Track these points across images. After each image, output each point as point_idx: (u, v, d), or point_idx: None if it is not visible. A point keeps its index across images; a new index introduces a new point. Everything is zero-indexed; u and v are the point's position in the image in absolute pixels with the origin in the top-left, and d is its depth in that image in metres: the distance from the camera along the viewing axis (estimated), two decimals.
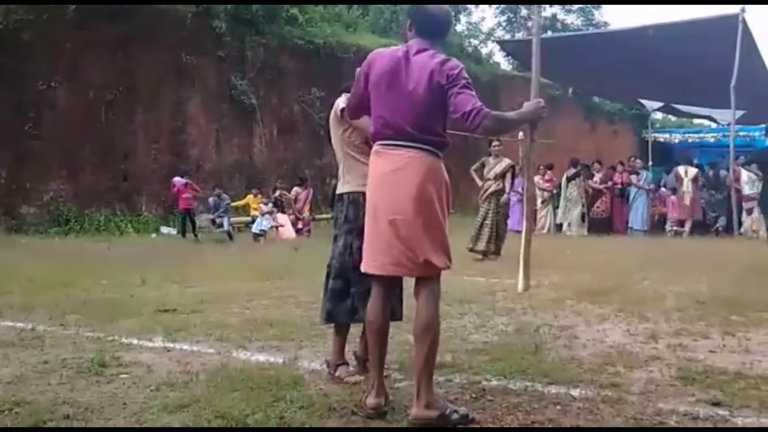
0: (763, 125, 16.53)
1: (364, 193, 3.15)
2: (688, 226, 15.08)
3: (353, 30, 21.94)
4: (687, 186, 15.29)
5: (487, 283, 7.18)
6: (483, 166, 10.16)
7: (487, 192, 9.88)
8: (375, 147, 3.01)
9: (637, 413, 2.97)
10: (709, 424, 2.85)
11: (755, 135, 17.69)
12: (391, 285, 3.11)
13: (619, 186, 16.26)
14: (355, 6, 23.83)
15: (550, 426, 2.84)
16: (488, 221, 9.73)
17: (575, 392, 3.24)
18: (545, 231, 16.12)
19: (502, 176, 9.94)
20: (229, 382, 3.36)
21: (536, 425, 2.85)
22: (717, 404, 3.06)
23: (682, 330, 4.71)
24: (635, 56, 15.73)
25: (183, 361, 3.84)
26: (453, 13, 3.07)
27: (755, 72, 15.35)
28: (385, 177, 2.92)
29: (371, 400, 2.94)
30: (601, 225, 15.74)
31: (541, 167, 16.79)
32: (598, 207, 16.08)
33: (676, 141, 20.19)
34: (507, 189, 9.99)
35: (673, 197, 15.56)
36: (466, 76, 2.86)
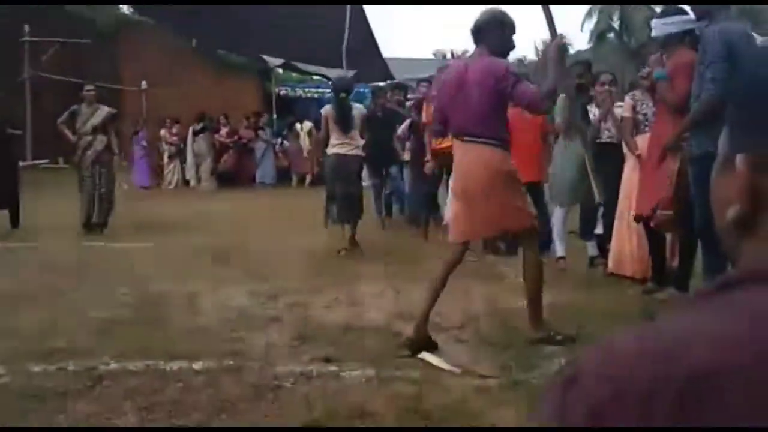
0: (370, 84, 18.38)
1: None
2: (308, 178, 16.11)
3: None
4: (304, 139, 16.30)
5: (108, 249, 6.76)
6: (73, 116, 8.03)
7: (91, 151, 7.89)
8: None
9: (257, 379, 3.08)
10: (321, 381, 3.09)
11: (364, 92, 19.61)
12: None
13: (245, 140, 16.59)
14: None
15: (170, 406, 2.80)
16: (103, 189, 7.87)
17: (197, 365, 3.24)
18: (172, 186, 15.79)
19: (102, 129, 8.03)
20: None
21: (156, 407, 2.78)
22: (328, 360, 3.33)
23: (300, 288, 4.96)
24: (257, 13, 16.16)
25: None
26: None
27: (364, 37, 17.02)
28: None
29: None
30: (229, 179, 15.95)
31: (168, 120, 16.32)
32: (225, 161, 16.25)
33: (298, 95, 21.26)
34: (114, 146, 8.21)
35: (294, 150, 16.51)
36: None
